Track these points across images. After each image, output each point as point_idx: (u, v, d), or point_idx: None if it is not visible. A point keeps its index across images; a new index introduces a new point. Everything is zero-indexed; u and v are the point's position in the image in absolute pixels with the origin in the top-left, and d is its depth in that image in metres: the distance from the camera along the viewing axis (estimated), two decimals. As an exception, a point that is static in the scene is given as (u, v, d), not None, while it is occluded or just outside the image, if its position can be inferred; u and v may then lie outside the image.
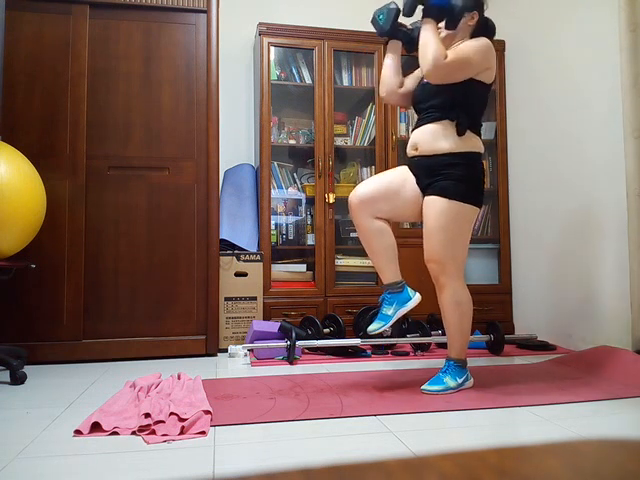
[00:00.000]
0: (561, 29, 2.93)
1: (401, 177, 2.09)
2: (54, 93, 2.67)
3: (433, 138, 2.00)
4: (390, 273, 2.06)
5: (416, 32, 2.08)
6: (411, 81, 2.23)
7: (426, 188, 2.02)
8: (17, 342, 2.49)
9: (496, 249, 3.45)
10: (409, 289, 2.07)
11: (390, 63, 2.18)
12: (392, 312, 2.02)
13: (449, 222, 1.95)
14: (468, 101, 2.00)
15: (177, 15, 2.83)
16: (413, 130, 2.12)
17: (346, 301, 3.16)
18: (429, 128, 2.02)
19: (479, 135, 2.04)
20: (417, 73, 2.21)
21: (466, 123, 1.97)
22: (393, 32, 2.10)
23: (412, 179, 2.08)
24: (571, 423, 1.60)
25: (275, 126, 3.36)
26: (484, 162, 3.52)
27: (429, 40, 1.92)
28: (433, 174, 1.99)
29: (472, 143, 1.99)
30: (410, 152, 2.10)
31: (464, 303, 2.00)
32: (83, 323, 2.62)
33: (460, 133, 1.96)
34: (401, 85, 2.19)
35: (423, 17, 1.97)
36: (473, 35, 2.07)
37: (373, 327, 2.02)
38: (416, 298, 2.05)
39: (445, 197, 1.95)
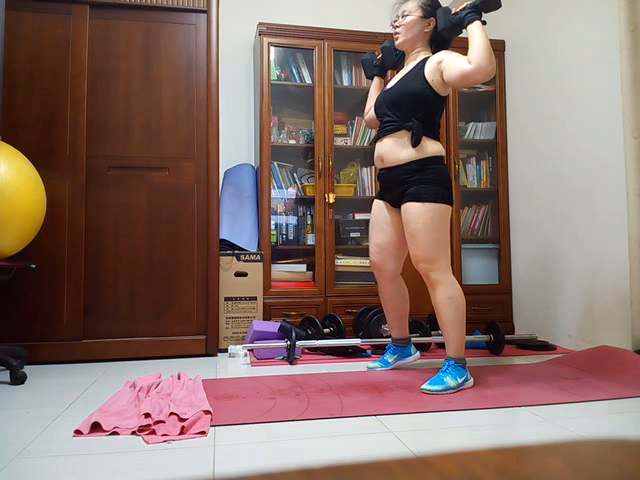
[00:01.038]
0: (561, 29, 2.93)
1: (385, 225, 2.24)
2: (54, 93, 2.67)
3: (395, 150, 2.12)
4: (400, 330, 2.36)
5: (384, 60, 2.39)
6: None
7: (399, 198, 2.13)
8: (17, 342, 2.49)
9: (496, 249, 3.45)
10: (413, 347, 2.40)
11: (370, 93, 2.47)
12: (392, 361, 2.37)
13: (427, 222, 2.03)
14: (425, 111, 2.09)
15: (177, 15, 2.83)
16: (375, 141, 2.24)
17: (346, 301, 3.16)
18: (389, 141, 2.14)
19: (437, 139, 2.13)
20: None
21: (420, 134, 2.06)
22: (372, 75, 2.47)
23: (386, 215, 2.24)
24: (571, 423, 1.60)
25: (275, 126, 3.36)
26: (484, 162, 3.54)
27: (488, 44, 1.93)
28: (401, 183, 2.11)
29: (431, 149, 2.09)
30: (378, 165, 2.23)
31: (456, 298, 2.04)
32: (83, 323, 2.62)
33: (414, 145, 2.06)
34: (368, 110, 2.45)
35: (471, 18, 1.97)
36: (432, 41, 2.19)
37: (373, 365, 2.37)
38: (416, 356, 2.39)
39: (418, 201, 2.05)
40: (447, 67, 2.02)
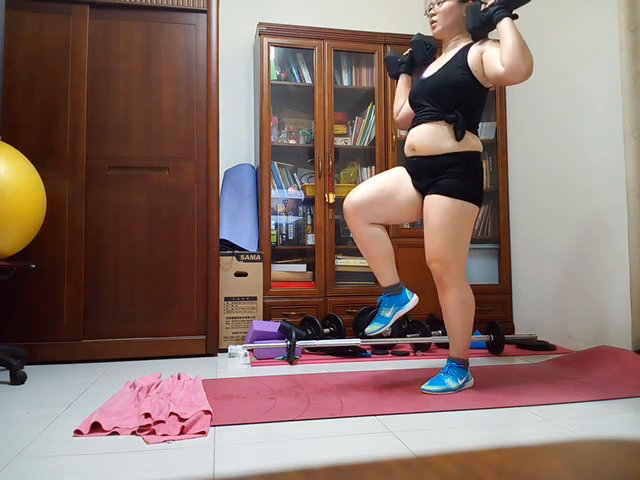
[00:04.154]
0: (561, 29, 2.93)
1: (395, 180, 2.09)
2: (54, 93, 2.67)
3: (432, 139, 1.98)
4: (388, 276, 2.09)
5: (413, 58, 2.26)
6: (405, 106, 2.28)
7: (427, 188, 2.01)
8: (17, 342, 2.49)
9: (496, 249, 3.45)
10: (407, 291, 2.10)
11: (397, 91, 2.34)
12: (390, 314, 2.06)
13: (452, 221, 1.94)
14: (468, 103, 1.99)
15: (177, 15, 2.83)
16: (410, 128, 2.10)
17: (346, 301, 3.16)
18: (426, 128, 2.00)
19: (476, 134, 2.04)
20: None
21: (464, 127, 1.95)
22: (397, 73, 2.32)
23: (407, 181, 2.08)
24: (571, 423, 1.60)
25: (275, 126, 3.36)
26: (484, 162, 3.53)
27: (520, 41, 1.81)
28: (434, 174, 1.98)
29: (471, 143, 1.99)
30: (408, 152, 2.09)
31: (467, 303, 2.00)
32: (83, 323, 2.62)
33: (458, 138, 1.95)
34: (399, 110, 2.32)
35: (500, 15, 1.85)
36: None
37: (371, 328, 2.06)
38: (414, 300, 2.08)
39: (448, 196, 1.94)
40: (486, 63, 1.91)
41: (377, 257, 2.07)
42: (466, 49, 2.00)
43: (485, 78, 1.97)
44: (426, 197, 2.01)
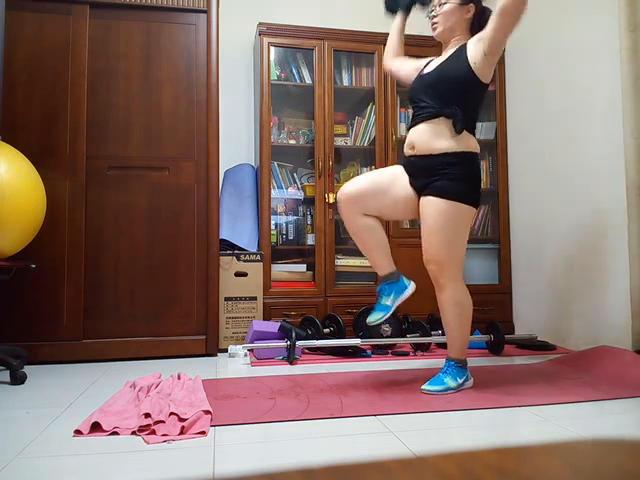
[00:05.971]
0: (561, 29, 2.93)
1: (391, 176, 2.10)
2: (54, 93, 2.67)
3: (429, 138, 1.98)
4: (384, 265, 2.10)
5: None
6: (406, 66, 2.24)
7: (423, 188, 2.00)
8: (17, 342, 2.49)
9: (496, 249, 3.45)
10: (404, 278, 2.11)
11: (394, 29, 2.31)
12: (391, 302, 2.06)
13: (447, 222, 1.94)
14: (466, 101, 1.98)
15: (177, 15, 2.83)
16: (409, 128, 2.09)
17: (346, 301, 3.16)
18: (425, 127, 2.00)
19: (474, 135, 2.03)
20: (416, 64, 2.21)
21: (462, 121, 1.94)
22: (396, 9, 2.28)
23: (404, 178, 2.08)
24: (571, 423, 1.60)
25: (275, 126, 3.36)
26: (484, 162, 3.53)
27: None
28: (430, 174, 1.98)
29: (469, 143, 1.98)
30: (407, 151, 2.08)
31: (463, 303, 2.00)
32: (83, 323, 2.62)
33: (458, 131, 1.94)
34: (396, 54, 2.29)
35: None
36: (472, 29, 2.06)
37: (373, 318, 2.06)
38: (412, 286, 2.09)
39: (442, 197, 1.94)
40: (487, 26, 1.87)
41: (372, 247, 2.09)
42: (465, 45, 2.00)
43: (486, 68, 1.95)
44: (422, 198, 2.01)
